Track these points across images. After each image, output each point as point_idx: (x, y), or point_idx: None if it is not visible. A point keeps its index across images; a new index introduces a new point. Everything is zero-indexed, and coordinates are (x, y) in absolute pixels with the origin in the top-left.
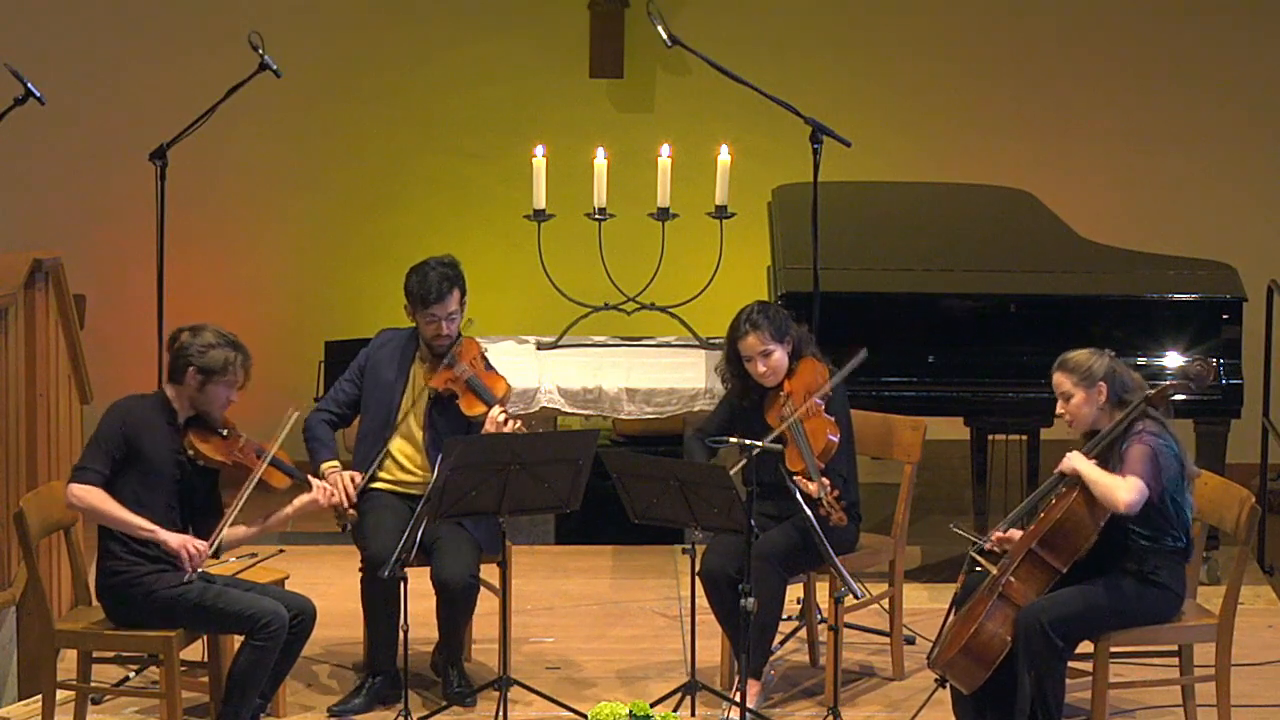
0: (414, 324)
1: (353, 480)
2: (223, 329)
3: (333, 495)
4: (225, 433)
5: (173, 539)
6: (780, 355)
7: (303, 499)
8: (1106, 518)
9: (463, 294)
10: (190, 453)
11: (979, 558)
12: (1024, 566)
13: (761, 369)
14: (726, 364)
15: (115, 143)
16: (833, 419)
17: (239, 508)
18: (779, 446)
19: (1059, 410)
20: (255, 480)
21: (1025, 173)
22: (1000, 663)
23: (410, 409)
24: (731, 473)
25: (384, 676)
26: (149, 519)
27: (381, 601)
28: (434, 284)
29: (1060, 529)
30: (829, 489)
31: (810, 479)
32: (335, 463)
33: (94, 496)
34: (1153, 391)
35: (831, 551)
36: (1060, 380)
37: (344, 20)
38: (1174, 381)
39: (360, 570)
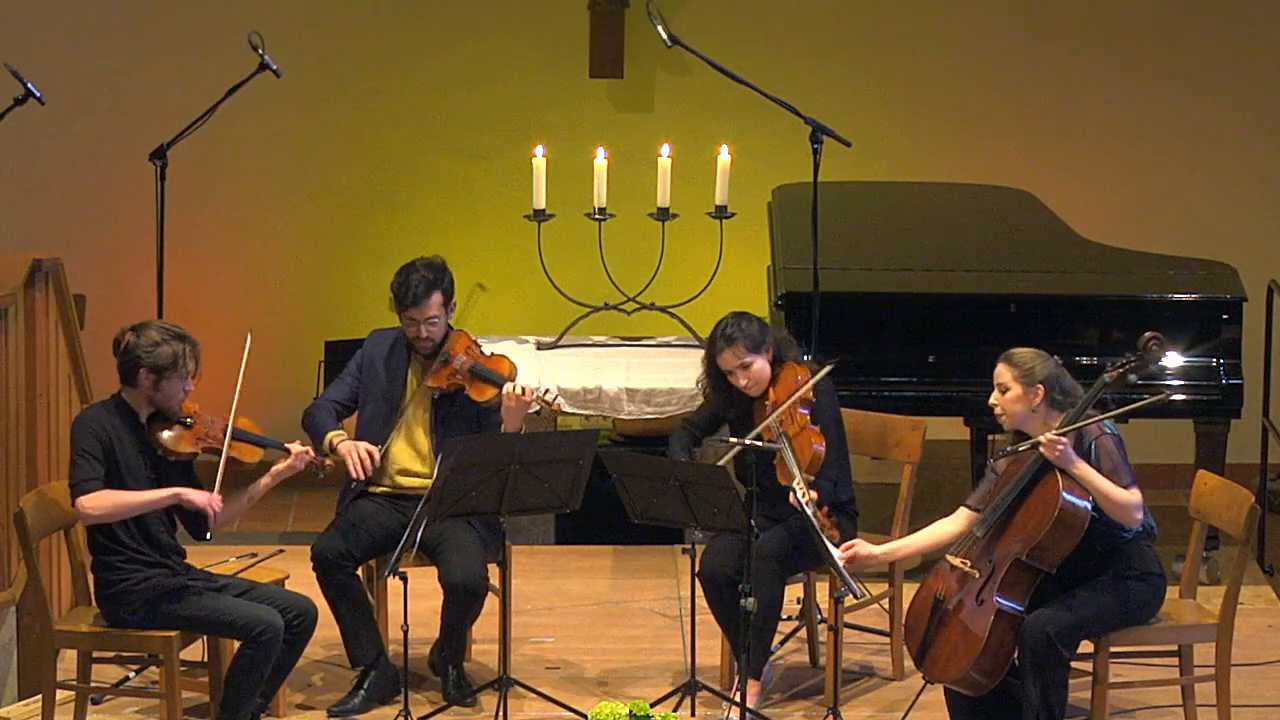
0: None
1: (369, 454)
2: (166, 322)
3: (307, 454)
4: (188, 421)
5: (198, 497)
6: (760, 365)
7: (279, 466)
8: (1090, 518)
9: (447, 297)
10: (159, 451)
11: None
12: (1011, 573)
13: (744, 381)
14: (708, 378)
15: (115, 143)
16: (818, 428)
17: (220, 490)
18: (775, 446)
19: (992, 400)
20: (225, 459)
21: (1025, 173)
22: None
23: (409, 411)
24: (720, 463)
25: (377, 672)
26: (140, 520)
27: (336, 594)
28: (413, 286)
29: (1051, 537)
30: (818, 506)
31: (800, 492)
32: (340, 431)
33: (106, 499)
34: (1110, 374)
35: (831, 551)
36: (1001, 371)
37: (344, 20)
38: (1128, 360)
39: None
